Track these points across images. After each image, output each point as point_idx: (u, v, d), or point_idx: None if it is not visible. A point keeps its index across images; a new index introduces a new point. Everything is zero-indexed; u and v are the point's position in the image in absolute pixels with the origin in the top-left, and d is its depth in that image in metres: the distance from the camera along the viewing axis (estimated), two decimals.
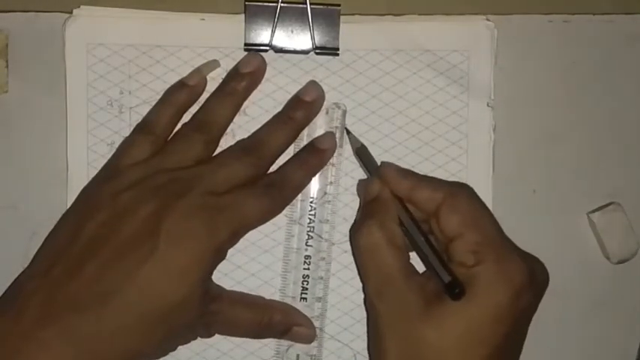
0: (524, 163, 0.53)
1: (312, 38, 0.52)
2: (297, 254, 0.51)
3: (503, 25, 0.53)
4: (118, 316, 0.42)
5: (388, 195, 0.47)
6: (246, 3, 0.51)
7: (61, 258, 0.44)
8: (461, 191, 0.47)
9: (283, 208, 0.49)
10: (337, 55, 0.52)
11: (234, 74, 0.50)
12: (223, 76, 0.51)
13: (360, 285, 0.52)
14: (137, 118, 0.51)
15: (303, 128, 0.51)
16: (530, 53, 0.53)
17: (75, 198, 0.48)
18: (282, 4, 0.51)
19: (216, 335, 0.50)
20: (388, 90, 0.53)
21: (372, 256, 0.45)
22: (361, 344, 0.52)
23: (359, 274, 0.49)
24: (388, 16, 0.52)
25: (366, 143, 0.52)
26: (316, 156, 0.50)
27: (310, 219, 0.51)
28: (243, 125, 0.52)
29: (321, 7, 0.51)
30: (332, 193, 0.51)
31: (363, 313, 0.52)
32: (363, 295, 0.52)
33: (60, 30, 0.51)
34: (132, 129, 0.50)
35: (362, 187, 0.50)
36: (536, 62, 0.53)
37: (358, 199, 0.52)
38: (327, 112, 0.51)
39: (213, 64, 0.51)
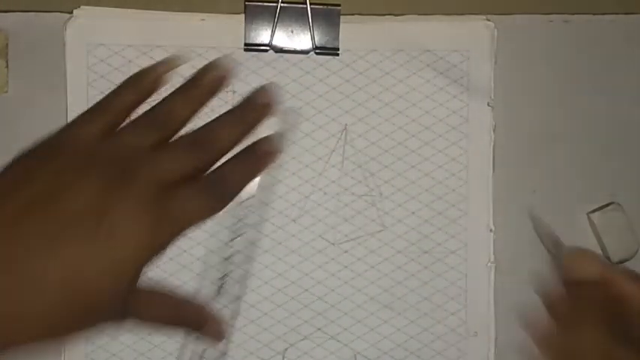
0: (524, 163, 0.53)
1: (312, 38, 0.52)
2: (221, 250, 0.51)
3: (503, 25, 0.53)
4: (32, 292, 0.39)
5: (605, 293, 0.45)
6: (246, 3, 0.51)
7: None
8: None
9: (223, 209, 0.49)
10: (337, 55, 0.52)
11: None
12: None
13: (361, 286, 0.52)
14: None
15: (254, 128, 0.48)
16: (530, 53, 0.53)
17: (12, 160, 0.44)
18: (282, 4, 0.51)
19: None
20: (388, 90, 0.53)
21: None
22: (361, 344, 0.52)
23: None
24: (388, 16, 0.52)
25: (366, 143, 0.52)
26: (260, 159, 0.48)
27: (239, 219, 0.51)
28: None
29: (321, 7, 0.52)
30: (261, 196, 0.51)
31: (363, 314, 0.52)
32: (363, 296, 0.52)
33: (60, 30, 0.51)
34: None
35: (566, 257, 0.48)
36: (536, 62, 0.53)
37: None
38: (278, 114, 0.51)
39: (182, 60, 0.49)
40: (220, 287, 0.51)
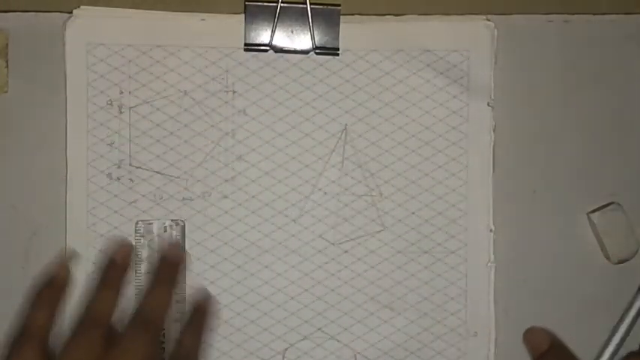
0: (524, 163, 0.53)
1: (312, 38, 0.52)
2: None
3: (503, 25, 0.53)
4: None
5: None
6: (246, 3, 0.51)
7: None
8: None
9: None
10: (337, 55, 0.52)
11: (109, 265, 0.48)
12: (224, 76, 0.52)
13: (361, 286, 0.52)
14: (137, 118, 0.51)
15: (179, 284, 0.49)
16: (530, 53, 0.53)
17: None
18: (282, 4, 0.51)
19: (216, 335, 0.50)
20: (388, 90, 0.53)
21: None
22: (361, 344, 0.52)
23: None
24: (388, 16, 0.52)
25: (366, 143, 0.52)
26: (204, 319, 0.48)
27: None
28: (244, 125, 0.52)
29: (321, 7, 0.52)
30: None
31: (363, 314, 0.52)
32: (363, 296, 0.52)
33: (60, 30, 0.51)
34: (130, 132, 0.51)
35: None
36: (536, 62, 0.53)
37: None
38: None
39: (72, 262, 0.47)
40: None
